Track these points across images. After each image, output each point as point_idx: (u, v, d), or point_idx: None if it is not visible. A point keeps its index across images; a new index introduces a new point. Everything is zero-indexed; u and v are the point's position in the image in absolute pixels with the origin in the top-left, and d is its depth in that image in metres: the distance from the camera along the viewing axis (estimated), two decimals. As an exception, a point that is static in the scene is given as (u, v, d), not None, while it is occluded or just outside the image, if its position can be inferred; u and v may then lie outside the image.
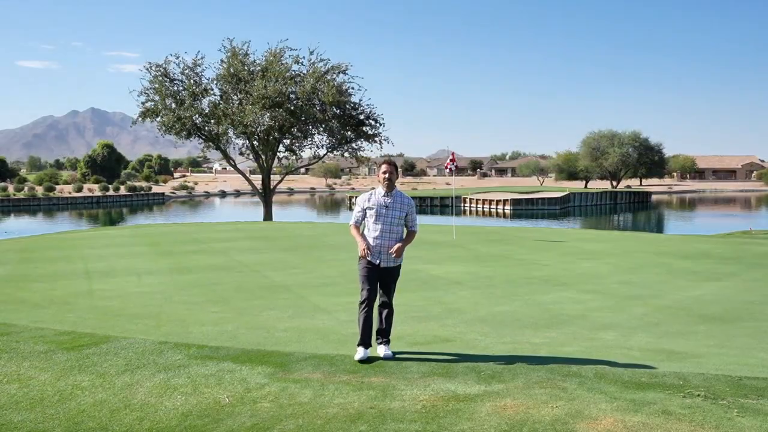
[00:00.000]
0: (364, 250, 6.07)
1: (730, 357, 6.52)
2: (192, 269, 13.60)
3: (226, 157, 39.16)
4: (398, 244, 6.14)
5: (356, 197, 6.84)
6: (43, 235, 27.22)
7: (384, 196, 6.22)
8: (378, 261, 6.17)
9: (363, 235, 6.25)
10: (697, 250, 17.93)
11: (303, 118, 35.41)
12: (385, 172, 6.22)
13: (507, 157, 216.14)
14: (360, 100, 37.25)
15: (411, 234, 6.36)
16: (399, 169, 6.37)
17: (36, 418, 4.59)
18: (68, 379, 5.41)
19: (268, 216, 37.72)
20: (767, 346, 7.15)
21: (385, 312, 6.27)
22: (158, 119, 35.65)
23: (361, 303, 6.14)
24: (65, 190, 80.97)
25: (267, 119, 35.11)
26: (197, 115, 35.71)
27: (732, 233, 29.86)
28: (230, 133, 36.73)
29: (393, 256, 6.13)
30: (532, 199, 62.89)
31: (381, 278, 6.20)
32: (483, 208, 62.57)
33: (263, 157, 38.25)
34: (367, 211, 6.23)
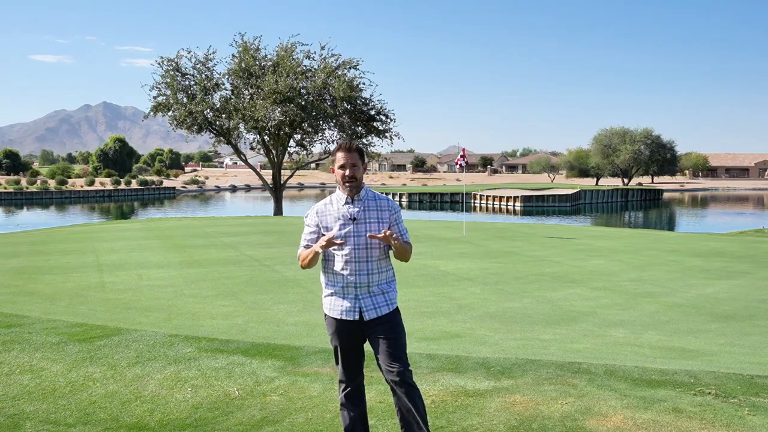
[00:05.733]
0: (328, 240, 3.65)
1: (742, 355, 6.49)
2: (202, 263, 13.65)
3: (237, 151, 39.28)
4: (388, 231, 3.70)
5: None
6: (55, 228, 27.43)
7: (347, 203, 3.83)
8: (356, 312, 3.77)
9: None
10: (709, 248, 17.82)
11: (314, 113, 35.44)
12: (343, 167, 3.78)
13: (518, 153, 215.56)
14: (371, 96, 37.24)
15: (408, 245, 3.92)
16: (366, 157, 3.96)
17: (48, 409, 4.63)
18: (80, 371, 5.45)
19: (278, 211, 37.81)
20: (779, 345, 7.10)
21: (405, 398, 3.68)
22: (170, 114, 35.81)
23: (342, 385, 3.92)
24: (77, 184, 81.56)
25: (278, 114, 35.17)
26: (208, 110, 35.84)
27: (744, 231, 29.64)
28: (241, 127, 36.84)
29: (370, 240, 3.74)
30: (542, 195, 62.72)
31: (373, 341, 3.78)
32: (493, 204, 62.44)
33: (274, 152, 38.33)
34: (323, 232, 3.84)
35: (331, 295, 3.86)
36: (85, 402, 4.76)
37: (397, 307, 3.89)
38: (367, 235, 3.73)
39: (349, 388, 3.87)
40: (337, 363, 3.90)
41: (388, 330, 3.76)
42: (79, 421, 4.42)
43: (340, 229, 3.77)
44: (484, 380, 5.18)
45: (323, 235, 3.81)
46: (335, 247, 3.74)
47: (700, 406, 4.58)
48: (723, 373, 5.41)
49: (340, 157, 3.80)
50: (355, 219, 3.79)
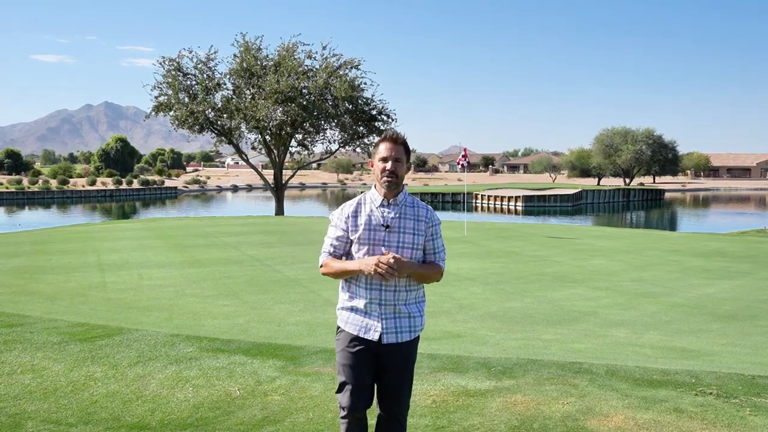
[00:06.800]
0: (377, 264, 3.16)
1: (743, 356, 6.48)
2: (204, 263, 13.66)
3: (239, 151, 39.30)
4: (404, 259, 3.23)
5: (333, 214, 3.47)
6: (56, 227, 27.45)
7: (383, 206, 3.35)
8: (377, 332, 3.30)
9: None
10: (710, 249, 17.81)
11: (315, 113, 35.46)
12: (386, 159, 3.30)
13: (519, 153, 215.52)
14: (372, 96, 37.26)
15: (433, 266, 3.38)
16: (411, 155, 3.47)
17: (49, 408, 4.63)
18: (81, 370, 5.46)
19: (279, 210, 37.83)
20: (781, 345, 7.09)
21: None
22: (171, 113, 35.84)
23: (343, 416, 3.33)
24: (79, 184, 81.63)
25: (279, 114, 35.19)
26: (210, 110, 35.86)
27: (746, 232, 29.62)
28: (243, 127, 36.87)
29: (389, 272, 3.16)
30: (544, 195, 62.68)
31: (382, 369, 3.33)
32: (495, 204, 62.41)
33: (275, 151, 38.36)
34: (350, 235, 3.35)
35: (351, 309, 3.37)
36: (87, 401, 4.77)
37: (418, 336, 3.42)
38: (390, 258, 3.19)
39: (348, 420, 3.30)
40: (339, 391, 3.33)
41: (401, 360, 3.33)
42: (81, 420, 4.42)
43: (369, 235, 3.30)
44: (485, 380, 5.17)
45: (350, 239, 3.33)
46: (366, 255, 3.28)
47: (702, 407, 4.57)
48: (724, 374, 5.41)
49: (382, 149, 3.31)
50: (388, 226, 3.30)
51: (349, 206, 3.40)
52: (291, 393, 4.90)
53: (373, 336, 3.28)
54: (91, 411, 4.59)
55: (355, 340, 3.31)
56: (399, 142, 3.32)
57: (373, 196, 3.38)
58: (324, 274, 3.41)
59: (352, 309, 3.36)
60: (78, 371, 5.44)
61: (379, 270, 3.15)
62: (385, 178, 3.29)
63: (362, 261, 3.24)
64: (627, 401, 4.68)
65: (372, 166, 3.40)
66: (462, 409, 4.56)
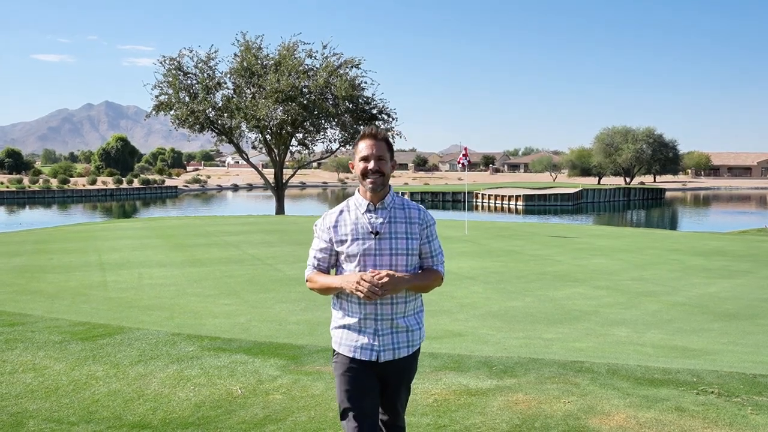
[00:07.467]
0: (360, 282, 2.87)
1: (745, 354, 6.48)
2: (205, 262, 13.66)
3: (239, 150, 39.32)
4: (396, 273, 2.93)
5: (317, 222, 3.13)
6: (57, 227, 27.46)
7: (369, 211, 3.05)
8: (375, 352, 3.02)
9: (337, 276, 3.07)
10: (711, 248, 17.81)
11: (316, 112, 35.49)
12: (367, 158, 3.00)
13: (520, 152, 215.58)
14: (373, 95, 37.29)
15: (431, 274, 3.09)
16: (394, 151, 3.17)
17: (51, 407, 4.63)
18: (83, 369, 5.46)
19: (280, 210, 37.85)
20: (782, 344, 7.09)
21: None
22: (172, 113, 35.86)
23: None
24: (79, 183, 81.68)
25: (280, 113, 35.22)
26: (210, 109, 35.90)
27: (747, 231, 29.60)
28: (243, 126, 36.90)
29: (372, 291, 2.86)
30: (544, 195, 62.68)
31: (382, 383, 3.08)
32: (495, 203, 62.41)
33: (276, 151, 38.38)
34: (336, 247, 3.05)
35: (344, 327, 3.05)
36: (88, 400, 4.77)
37: (418, 349, 3.16)
38: (382, 277, 2.89)
39: None
40: (343, 419, 3.01)
41: (400, 375, 3.10)
42: (82, 419, 4.42)
43: (357, 245, 2.98)
44: (486, 379, 5.17)
45: (335, 251, 3.05)
46: (357, 267, 2.98)
47: (703, 405, 4.57)
48: (726, 372, 5.40)
49: (362, 148, 3.00)
50: (377, 233, 2.98)
51: (331, 215, 3.09)
52: (292, 392, 4.90)
53: (371, 356, 3.00)
54: (93, 410, 4.59)
55: (353, 362, 3.02)
56: (380, 138, 3.02)
57: (358, 201, 3.07)
58: (310, 289, 3.13)
59: (345, 327, 3.05)
60: (79, 370, 5.44)
61: (360, 288, 2.87)
62: (369, 179, 2.98)
63: (344, 278, 2.96)
64: (628, 400, 4.68)
65: (353, 167, 3.07)
66: (463, 408, 4.56)
